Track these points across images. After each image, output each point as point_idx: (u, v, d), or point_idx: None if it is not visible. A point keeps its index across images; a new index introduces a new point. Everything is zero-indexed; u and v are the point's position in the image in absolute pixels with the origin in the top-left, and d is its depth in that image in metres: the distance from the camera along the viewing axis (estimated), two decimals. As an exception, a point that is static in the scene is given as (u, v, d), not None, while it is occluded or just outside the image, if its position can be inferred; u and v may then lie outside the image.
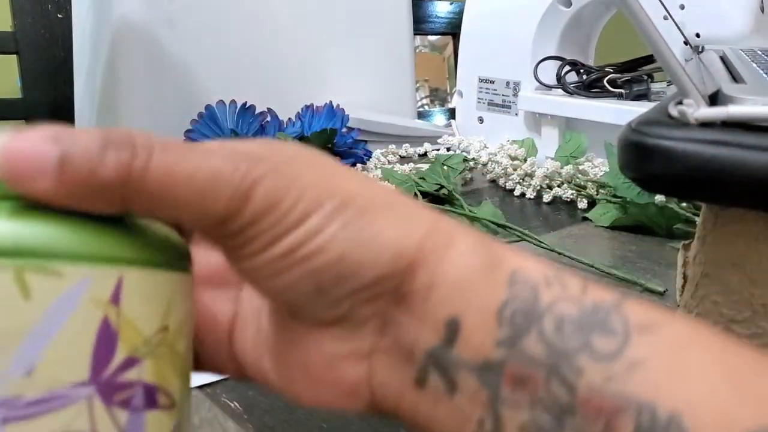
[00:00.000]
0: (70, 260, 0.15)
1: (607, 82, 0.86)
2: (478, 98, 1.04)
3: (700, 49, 0.75)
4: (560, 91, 0.91)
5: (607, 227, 0.68)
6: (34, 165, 0.15)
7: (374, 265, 0.17)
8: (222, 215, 0.16)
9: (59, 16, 1.10)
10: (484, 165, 0.88)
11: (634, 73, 0.86)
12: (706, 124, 0.24)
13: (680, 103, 0.25)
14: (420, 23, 1.41)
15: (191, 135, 0.86)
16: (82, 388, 0.15)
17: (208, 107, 0.86)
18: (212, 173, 0.16)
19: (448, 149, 0.99)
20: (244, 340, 0.21)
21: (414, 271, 0.17)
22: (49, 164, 0.15)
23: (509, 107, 0.99)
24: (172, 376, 0.17)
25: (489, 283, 0.17)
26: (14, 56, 1.09)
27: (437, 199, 0.76)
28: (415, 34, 1.23)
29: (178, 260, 0.18)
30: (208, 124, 0.85)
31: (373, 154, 0.94)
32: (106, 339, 0.15)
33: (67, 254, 0.15)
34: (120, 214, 0.17)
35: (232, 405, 0.36)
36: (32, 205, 0.15)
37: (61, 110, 1.12)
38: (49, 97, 1.11)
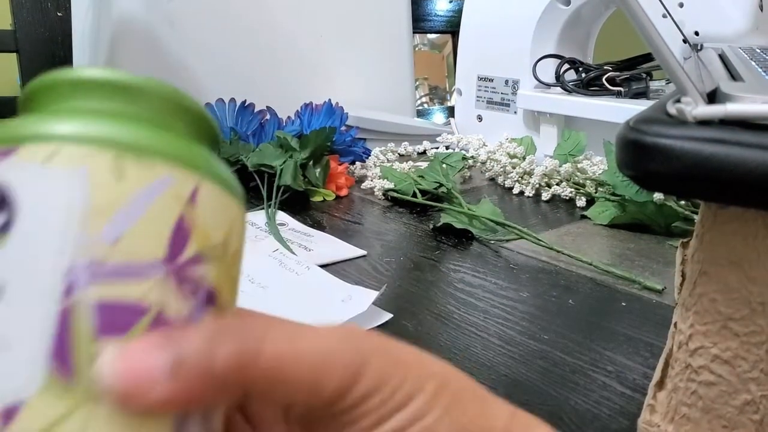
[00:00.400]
0: (162, 158, 0.17)
1: (606, 80, 0.86)
2: (477, 96, 1.04)
3: (698, 48, 0.75)
4: (559, 89, 0.91)
5: (605, 225, 0.69)
6: (147, 380, 0.15)
7: None
8: (335, 392, 0.16)
9: (59, 14, 1.09)
10: (483, 163, 0.88)
11: (632, 72, 0.86)
12: (704, 122, 0.24)
13: (679, 101, 0.25)
14: (419, 21, 1.41)
15: (190, 133, 0.86)
16: (158, 267, 0.16)
17: (207, 105, 0.86)
18: (325, 350, 0.16)
19: (447, 147, 0.99)
20: None
21: None
22: (161, 374, 0.15)
23: (508, 105, 0.99)
24: (227, 293, 0.18)
25: None
26: (14, 54, 1.09)
27: (436, 197, 0.76)
28: (414, 33, 1.23)
29: (241, 196, 0.19)
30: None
31: (372, 152, 0.94)
32: (181, 232, 0.17)
33: (160, 152, 0.17)
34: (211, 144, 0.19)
35: None
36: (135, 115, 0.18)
37: (60, 108, 1.12)
38: (48, 96, 1.11)
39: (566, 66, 0.91)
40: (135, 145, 0.17)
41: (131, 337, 0.15)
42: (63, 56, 1.10)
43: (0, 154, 0.17)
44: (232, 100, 0.87)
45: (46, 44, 1.09)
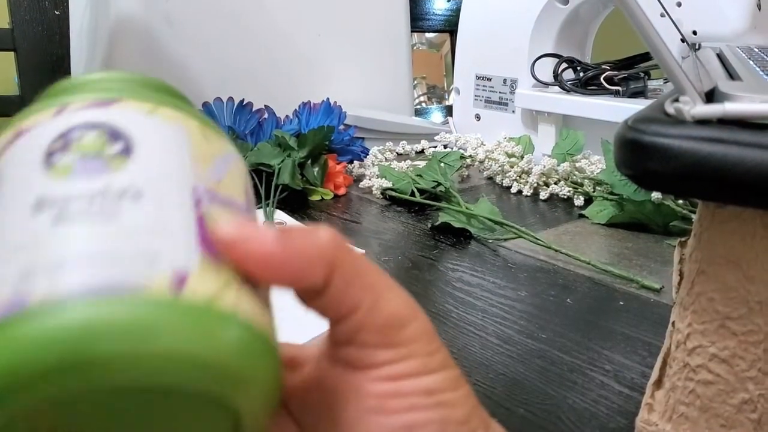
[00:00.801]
0: (225, 138, 0.21)
1: (604, 79, 0.86)
2: (475, 95, 1.04)
3: (696, 47, 0.75)
4: (557, 88, 0.91)
5: (603, 224, 0.69)
6: (261, 234, 0.17)
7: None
8: (393, 315, 0.18)
9: (56, 13, 1.09)
10: (481, 162, 0.88)
11: (630, 71, 0.86)
12: (702, 122, 0.24)
13: (677, 100, 0.25)
14: (417, 20, 1.41)
15: (188, 132, 0.86)
16: (243, 207, 0.19)
17: (205, 104, 0.86)
18: (394, 286, 0.19)
19: (445, 146, 0.99)
20: None
21: None
22: (272, 234, 0.17)
23: (506, 104, 0.99)
24: None
25: None
26: (11, 53, 1.09)
27: (434, 196, 0.76)
28: (412, 32, 1.23)
29: None
30: (205, 122, 0.85)
31: (371, 151, 0.94)
32: (248, 190, 0.21)
33: (222, 133, 0.21)
34: None
35: None
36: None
37: (57, 107, 1.12)
38: (45, 94, 1.11)
39: (564, 65, 0.91)
40: (211, 124, 0.20)
41: None
42: (60, 55, 1.10)
43: (99, 104, 0.18)
44: (230, 99, 0.87)
45: (43, 43, 1.09)
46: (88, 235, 0.15)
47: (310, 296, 0.18)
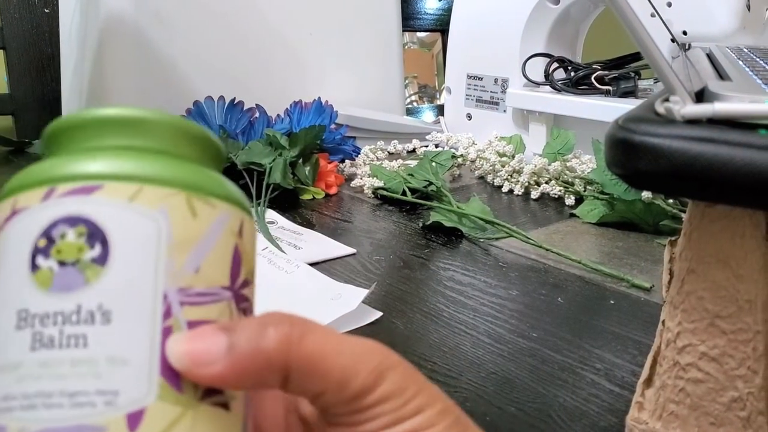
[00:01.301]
0: (218, 198, 0.20)
1: (595, 79, 0.86)
2: (467, 95, 1.04)
3: (686, 47, 0.75)
4: (548, 87, 0.92)
5: (594, 224, 0.69)
6: (208, 352, 0.18)
7: None
8: (359, 389, 0.19)
9: (46, 11, 1.09)
10: (473, 161, 0.88)
11: (621, 71, 0.86)
12: (692, 121, 0.24)
13: (667, 100, 0.25)
14: (409, 20, 1.41)
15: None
16: (226, 291, 0.20)
17: (196, 103, 0.86)
18: (359, 350, 0.19)
19: (437, 146, 0.99)
20: None
21: None
22: (218, 353, 0.18)
23: (497, 104, 0.99)
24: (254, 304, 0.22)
25: None
26: (1, 51, 1.08)
27: (426, 195, 0.76)
28: (403, 31, 1.23)
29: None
30: (195, 120, 0.85)
31: (362, 151, 0.94)
32: (237, 260, 0.20)
33: (216, 193, 0.20)
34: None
35: None
36: (193, 161, 0.21)
37: (48, 106, 1.11)
38: (36, 93, 1.10)
39: (555, 65, 0.91)
40: (199, 186, 0.20)
41: None
42: (50, 53, 1.10)
43: (83, 190, 0.19)
44: (221, 98, 0.87)
45: (33, 41, 1.09)
46: (57, 372, 0.17)
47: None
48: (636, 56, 0.88)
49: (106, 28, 0.92)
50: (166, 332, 0.18)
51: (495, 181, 0.85)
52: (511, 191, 0.82)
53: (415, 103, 1.54)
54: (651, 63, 0.24)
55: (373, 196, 0.80)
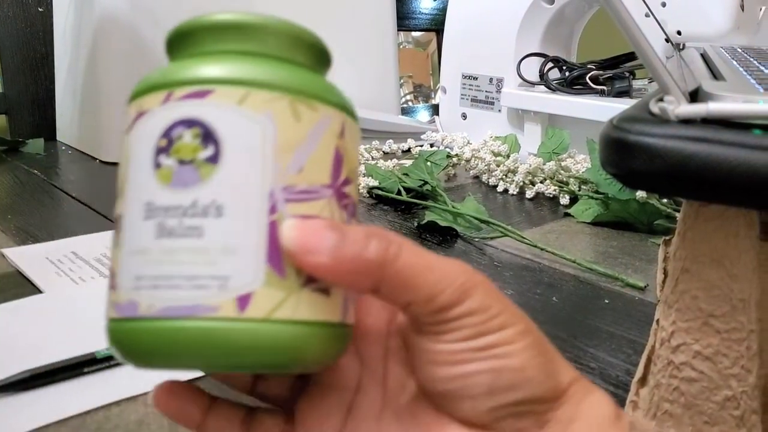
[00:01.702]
0: (321, 101, 0.22)
1: (590, 78, 0.86)
2: (462, 94, 1.04)
3: (681, 47, 0.75)
4: (543, 87, 0.92)
5: (588, 223, 0.69)
6: (318, 243, 0.20)
7: (539, 385, 0.22)
8: (446, 303, 0.21)
9: (40, 9, 1.08)
10: (468, 161, 0.88)
11: (616, 70, 0.86)
12: (686, 121, 0.24)
13: (661, 99, 0.25)
14: (404, 19, 1.41)
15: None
16: (327, 189, 0.22)
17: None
18: (447, 269, 0.21)
19: (432, 145, 0.99)
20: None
21: (561, 404, 0.22)
22: (328, 244, 0.20)
23: (492, 103, 0.99)
24: (358, 203, 0.24)
25: (615, 427, 0.22)
26: (-7, 50, 1.07)
27: (421, 195, 0.76)
28: (398, 30, 1.23)
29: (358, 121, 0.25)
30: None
31: (357, 150, 0.93)
32: (338, 161, 0.22)
33: (319, 97, 0.22)
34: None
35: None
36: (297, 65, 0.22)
37: (42, 104, 1.10)
38: (30, 92, 1.10)
39: (550, 64, 0.91)
40: (303, 90, 0.21)
41: None
42: (44, 52, 1.09)
43: (197, 94, 0.21)
44: (216, 97, 0.86)
45: (26, 39, 1.08)
46: (177, 258, 0.20)
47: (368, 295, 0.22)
48: (630, 56, 0.88)
49: (100, 27, 0.91)
50: (272, 226, 0.20)
51: (490, 180, 0.85)
52: (506, 191, 0.83)
53: (410, 103, 1.54)
54: (645, 63, 0.24)
55: (368, 195, 0.79)
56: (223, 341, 0.20)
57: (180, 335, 0.20)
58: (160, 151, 0.21)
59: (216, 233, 0.20)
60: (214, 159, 0.20)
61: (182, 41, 0.23)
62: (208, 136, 0.20)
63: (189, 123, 0.21)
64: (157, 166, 0.21)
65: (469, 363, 0.21)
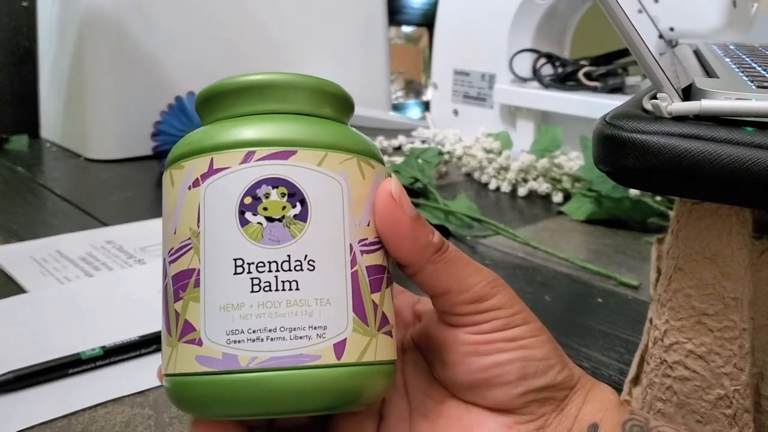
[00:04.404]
0: (376, 160, 0.24)
1: (583, 75, 0.86)
2: (453, 90, 1.04)
3: (674, 43, 0.75)
4: (536, 83, 0.91)
5: (582, 221, 0.69)
6: (407, 204, 0.24)
7: (559, 373, 0.25)
8: (480, 294, 0.24)
9: (24, 4, 1.07)
10: (459, 158, 0.88)
11: (609, 67, 0.86)
12: (679, 118, 0.24)
13: (654, 96, 0.24)
14: (395, 14, 1.40)
15: (160, 126, 0.85)
16: (379, 243, 0.24)
17: (177, 98, 0.85)
18: (480, 267, 0.25)
19: (423, 142, 0.99)
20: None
21: (575, 391, 0.25)
22: (413, 212, 0.24)
23: (484, 100, 0.99)
24: None
25: (619, 410, 0.25)
26: (-21, 46, 1.06)
27: (412, 192, 0.76)
28: (389, 26, 1.23)
29: None
30: (177, 116, 0.84)
31: (349, 147, 0.93)
32: None
33: (375, 156, 0.24)
34: None
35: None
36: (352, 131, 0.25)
37: (25, 100, 1.09)
38: (13, 87, 1.09)
39: (543, 60, 0.91)
40: (365, 151, 0.24)
41: (383, 291, 0.24)
42: (28, 47, 1.08)
43: (281, 155, 0.22)
44: (206, 93, 0.86)
45: (10, 34, 1.07)
46: (276, 311, 0.21)
47: (409, 273, 0.25)
48: (624, 52, 0.88)
49: (86, 21, 0.90)
50: (354, 276, 0.22)
51: (482, 178, 0.85)
52: (498, 188, 0.82)
53: (401, 99, 1.54)
54: (638, 60, 0.24)
55: (359, 192, 0.79)
56: (326, 386, 0.21)
57: (287, 383, 0.21)
58: (246, 208, 0.22)
59: (311, 286, 0.21)
60: (302, 217, 0.22)
61: (242, 95, 0.24)
62: (294, 195, 0.22)
63: (275, 182, 0.22)
64: (244, 222, 0.22)
65: (503, 353, 0.24)
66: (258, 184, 0.22)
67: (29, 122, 1.09)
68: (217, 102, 0.24)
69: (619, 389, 0.33)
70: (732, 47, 0.47)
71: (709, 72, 0.33)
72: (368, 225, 0.23)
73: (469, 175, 0.89)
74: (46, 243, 0.60)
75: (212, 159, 0.22)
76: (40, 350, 0.40)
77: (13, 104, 1.09)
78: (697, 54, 0.43)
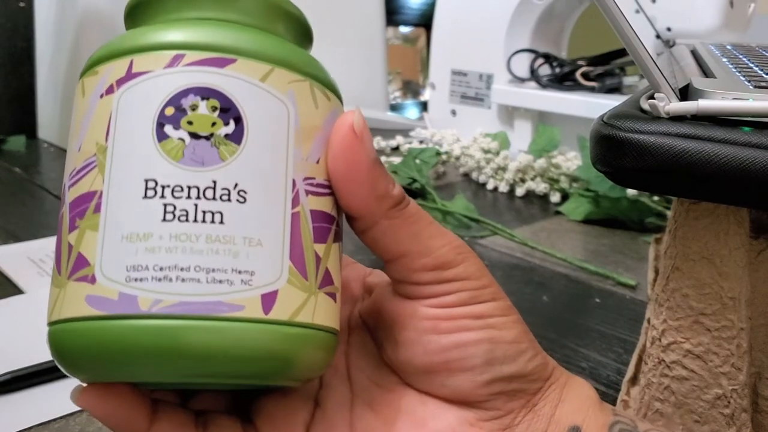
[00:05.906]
0: (332, 91, 0.21)
1: (580, 75, 0.86)
2: (451, 91, 1.04)
3: (671, 44, 0.75)
4: (533, 84, 0.91)
5: (579, 221, 0.69)
6: (370, 144, 0.20)
7: (531, 360, 0.22)
8: (444, 260, 0.21)
9: (21, 5, 1.07)
10: (457, 158, 0.88)
11: (606, 67, 0.86)
12: (677, 118, 0.24)
13: (652, 97, 0.25)
14: (392, 15, 1.40)
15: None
16: (329, 188, 0.20)
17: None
18: (445, 231, 0.21)
19: (421, 142, 0.99)
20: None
21: (548, 385, 0.22)
22: (368, 159, 0.20)
23: (482, 100, 0.99)
24: None
25: (601, 410, 0.22)
26: (-24, 45, 1.06)
27: (410, 192, 0.76)
28: (387, 26, 1.23)
29: None
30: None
31: (346, 147, 0.93)
32: None
33: (331, 86, 0.21)
34: None
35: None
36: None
37: (23, 100, 1.09)
38: (10, 88, 1.08)
39: (540, 61, 0.91)
40: (320, 77, 0.20)
41: (329, 244, 0.20)
42: (25, 47, 1.08)
43: (215, 62, 0.18)
44: (204, 93, 0.86)
45: (7, 35, 1.07)
46: (193, 246, 0.17)
47: (360, 229, 0.21)
48: (621, 52, 0.88)
49: (83, 22, 0.90)
50: (295, 218, 0.18)
51: (480, 178, 0.85)
52: (496, 188, 0.82)
53: (398, 99, 1.54)
54: (636, 59, 0.24)
55: (357, 193, 0.79)
56: (247, 345, 0.17)
57: (197, 337, 0.17)
58: (166, 120, 0.18)
59: (239, 221, 0.17)
60: (236, 138, 0.18)
61: (170, 1, 0.20)
62: (227, 111, 0.18)
63: (205, 92, 0.18)
64: (162, 137, 0.17)
65: (467, 331, 0.21)
66: (184, 93, 0.18)
67: (27, 123, 1.09)
68: (148, 7, 0.20)
69: (617, 389, 0.33)
70: (729, 47, 0.47)
71: (706, 72, 0.33)
72: (317, 163, 0.19)
73: (466, 175, 0.89)
74: (44, 244, 0.59)
75: (132, 61, 0.18)
76: (38, 351, 0.40)
77: (10, 105, 1.09)
78: (695, 54, 0.43)
